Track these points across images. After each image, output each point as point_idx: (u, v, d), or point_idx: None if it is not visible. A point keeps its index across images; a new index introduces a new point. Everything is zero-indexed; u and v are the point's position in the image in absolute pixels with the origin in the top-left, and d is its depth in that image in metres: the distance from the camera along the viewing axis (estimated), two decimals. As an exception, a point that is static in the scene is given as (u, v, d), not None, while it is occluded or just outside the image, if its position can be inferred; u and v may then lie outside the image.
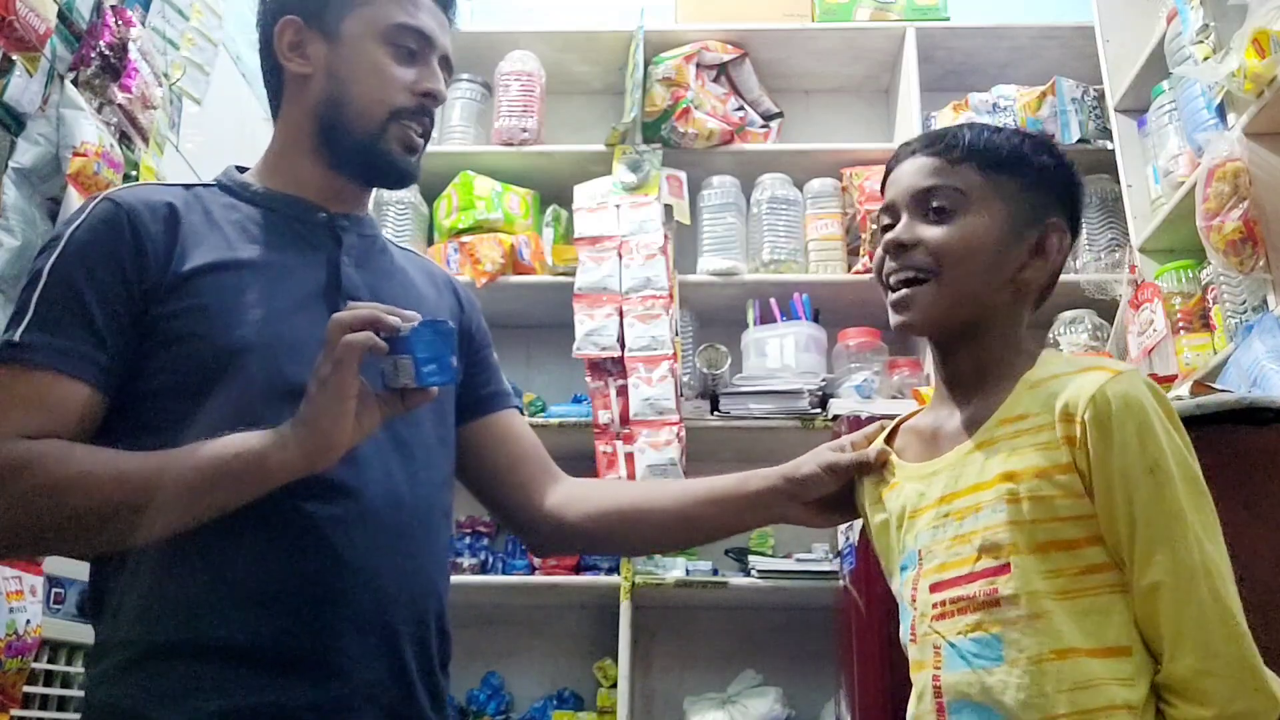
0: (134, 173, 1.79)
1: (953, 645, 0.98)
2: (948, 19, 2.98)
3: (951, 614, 0.99)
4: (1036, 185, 1.06)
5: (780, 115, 3.03)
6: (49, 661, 1.92)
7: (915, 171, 1.07)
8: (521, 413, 1.37)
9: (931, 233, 1.04)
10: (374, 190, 1.31)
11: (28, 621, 1.46)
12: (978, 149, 1.06)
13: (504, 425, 1.28)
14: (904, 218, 1.06)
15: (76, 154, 1.60)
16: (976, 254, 1.03)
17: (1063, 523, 0.95)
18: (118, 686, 0.98)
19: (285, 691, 0.98)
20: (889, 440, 1.15)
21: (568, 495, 1.25)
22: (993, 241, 1.03)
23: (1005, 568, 0.96)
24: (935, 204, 1.05)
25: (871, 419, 1.80)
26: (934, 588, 1.01)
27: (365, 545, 1.03)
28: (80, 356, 1.00)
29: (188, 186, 1.15)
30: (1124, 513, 0.92)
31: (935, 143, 1.08)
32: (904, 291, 1.05)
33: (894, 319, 1.07)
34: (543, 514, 1.25)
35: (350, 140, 1.15)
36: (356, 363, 0.94)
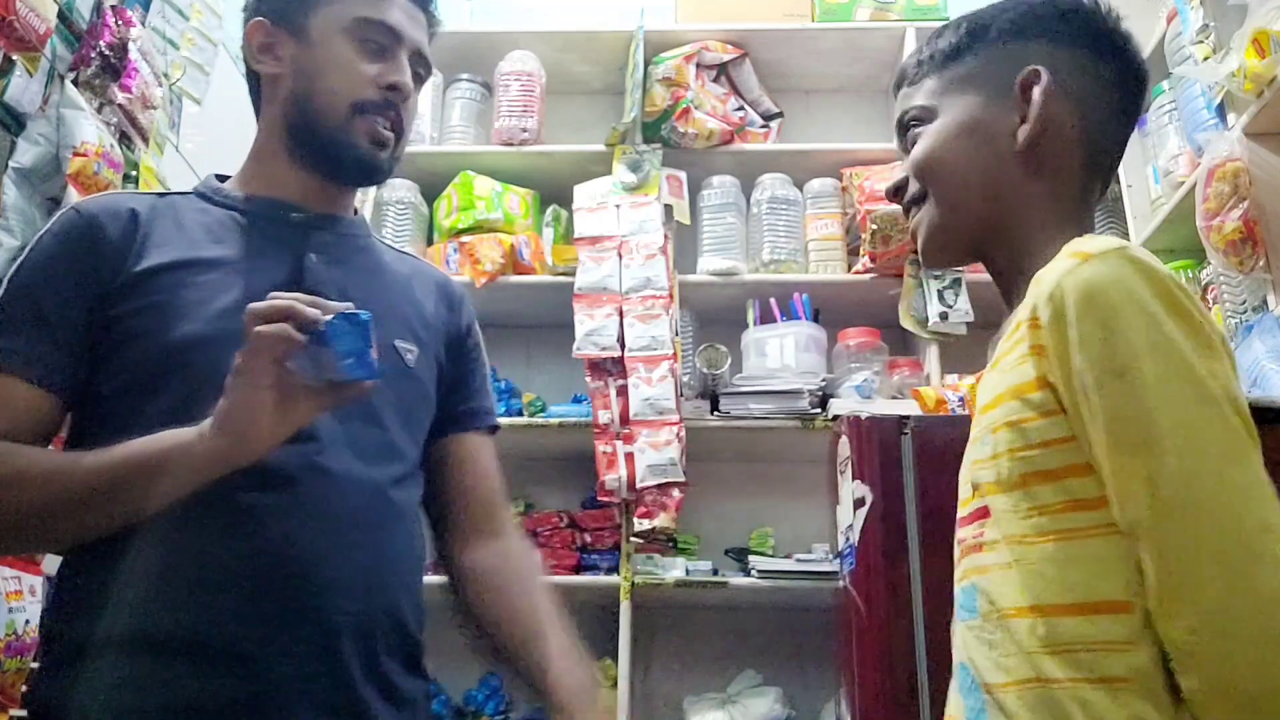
0: (134, 173, 1.79)
1: (957, 596, 0.87)
2: (947, 19, 2.97)
3: (959, 560, 0.88)
4: (1003, 45, 0.95)
5: (780, 115, 3.03)
6: (49, 661, 1.92)
7: (896, 109, 1.01)
8: (495, 431, 1.30)
9: (910, 157, 0.97)
10: (360, 189, 1.28)
11: (27, 621, 1.46)
12: (927, 58, 0.99)
13: (466, 450, 1.24)
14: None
15: (76, 154, 1.60)
16: (950, 149, 0.94)
17: (1040, 450, 0.78)
18: (53, 682, 0.99)
19: (216, 684, 0.97)
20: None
21: (484, 567, 1.19)
22: (962, 129, 0.94)
23: (988, 509, 0.83)
24: (910, 130, 0.98)
25: (871, 419, 1.80)
26: (960, 526, 0.90)
27: (305, 540, 1.01)
28: (35, 360, 1.02)
29: (162, 194, 1.16)
30: (1092, 432, 0.75)
31: (900, 74, 1.02)
32: (911, 223, 0.98)
33: (920, 255, 0.99)
34: (455, 563, 1.21)
35: (317, 136, 1.14)
36: (269, 354, 0.91)
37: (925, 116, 0.97)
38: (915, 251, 1.00)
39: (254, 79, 1.21)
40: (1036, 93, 0.91)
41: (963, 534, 0.87)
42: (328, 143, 1.14)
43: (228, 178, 1.21)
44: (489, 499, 1.25)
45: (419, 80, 1.20)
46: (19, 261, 1.07)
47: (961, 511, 0.89)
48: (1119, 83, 0.95)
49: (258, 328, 0.92)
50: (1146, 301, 0.74)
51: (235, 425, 0.94)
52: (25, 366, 1.02)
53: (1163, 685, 0.72)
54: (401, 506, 1.13)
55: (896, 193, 0.99)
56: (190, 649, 0.97)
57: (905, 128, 0.99)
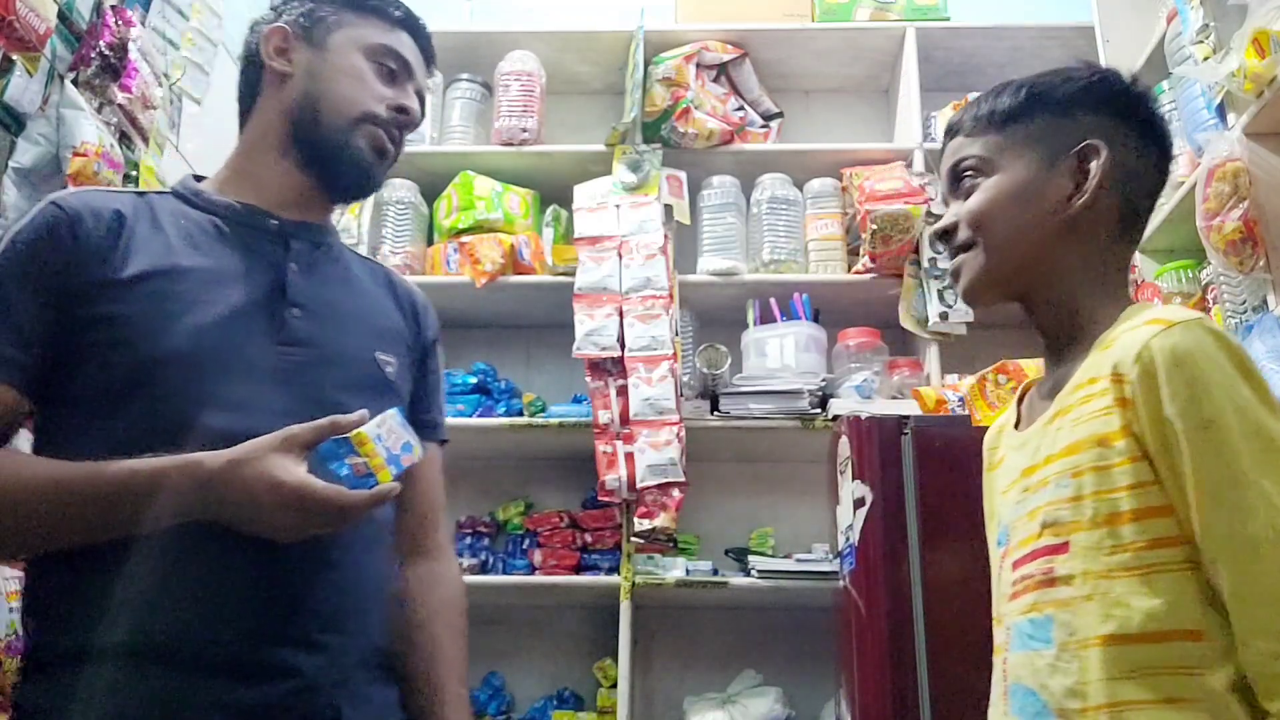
0: (134, 173, 1.79)
1: (1017, 626, 0.95)
2: (948, 19, 2.98)
3: (1019, 594, 0.96)
4: (1063, 115, 1.02)
5: (780, 115, 3.03)
6: (49, 661, 1.91)
7: (947, 156, 1.08)
8: (444, 444, 1.33)
9: (964, 207, 1.04)
10: (346, 201, 1.30)
11: (28, 621, 1.46)
12: (985, 114, 1.05)
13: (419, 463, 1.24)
14: (950, 204, 1.08)
15: (76, 154, 1.60)
16: (1007, 206, 1.01)
17: (1124, 493, 0.87)
18: (38, 688, 1.00)
19: (197, 693, 0.98)
20: (1020, 401, 1.10)
21: (411, 592, 1.21)
22: (1021, 188, 1.01)
23: (1064, 546, 0.91)
24: (964, 180, 1.05)
25: (872, 419, 1.80)
26: (1014, 565, 0.97)
27: (291, 562, 1.02)
28: (4, 359, 1.02)
29: (141, 194, 1.17)
30: (1181, 478, 0.84)
31: (956, 122, 1.09)
32: (954, 261, 1.06)
33: (959, 294, 1.08)
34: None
35: (320, 134, 1.17)
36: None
37: (983, 169, 1.04)
38: (952, 284, 1.10)
39: (254, 77, 1.23)
40: (1094, 166, 0.99)
41: (1027, 570, 0.95)
42: (331, 143, 1.17)
43: (204, 178, 1.22)
44: (428, 515, 1.26)
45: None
46: None
47: (1019, 551, 0.97)
48: (1158, 161, 1.04)
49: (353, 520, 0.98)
50: (1225, 366, 0.85)
51: (240, 521, 0.98)
52: None
53: (1234, 706, 0.80)
54: (381, 522, 1.14)
55: (944, 235, 1.06)
56: (176, 661, 0.98)
57: (959, 176, 1.06)
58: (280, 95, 1.20)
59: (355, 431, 0.98)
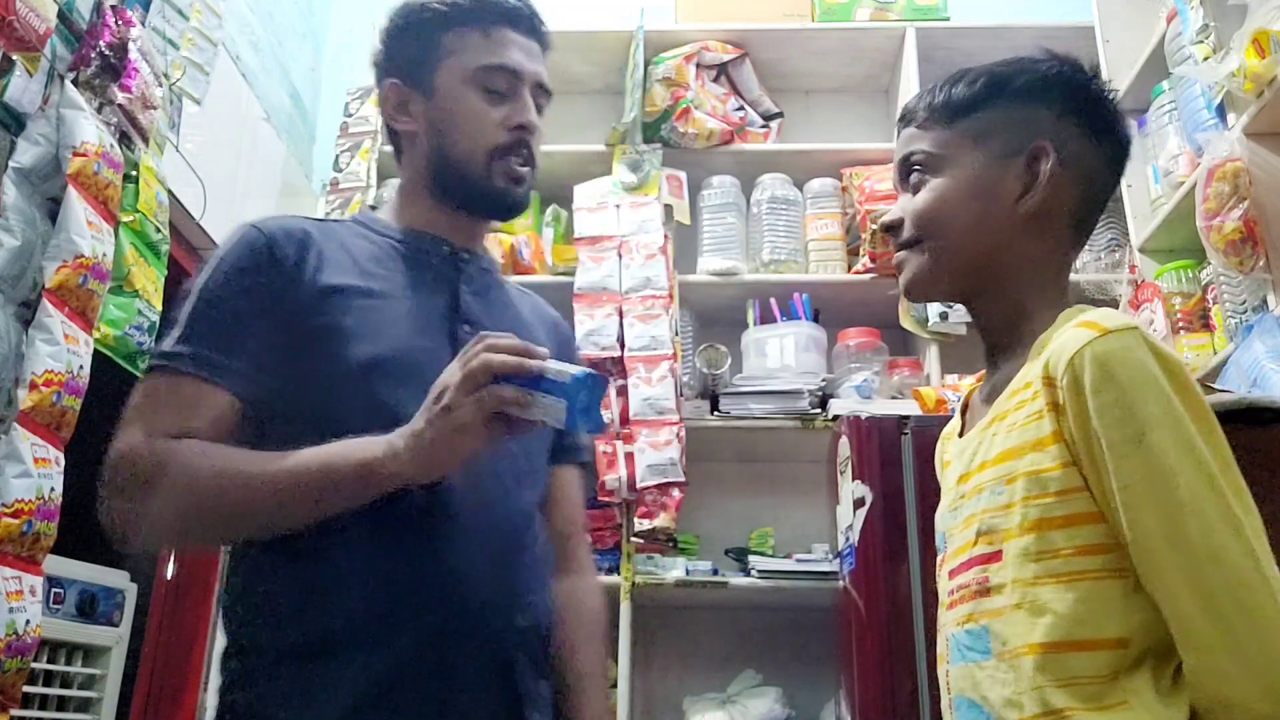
0: (134, 173, 1.79)
1: (955, 637, 0.93)
2: (948, 19, 2.98)
3: (956, 603, 0.94)
4: (1016, 110, 0.98)
5: (780, 115, 3.03)
6: (49, 661, 1.92)
7: (899, 144, 1.04)
8: (585, 468, 1.39)
9: (911, 204, 1.00)
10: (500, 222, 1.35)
11: (27, 621, 1.46)
12: (938, 105, 1.01)
13: (558, 482, 1.32)
14: (899, 194, 1.04)
15: (76, 154, 1.60)
16: (954, 209, 0.97)
17: (1055, 499, 0.85)
18: (249, 689, 1.07)
19: (394, 690, 1.04)
20: (964, 409, 1.06)
21: (556, 603, 1.25)
22: (968, 189, 0.97)
23: (998, 554, 0.88)
24: (913, 174, 1.01)
25: (872, 419, 1.80)
26: (950, 574, 0.95)
27: (469, 561, 1.09)
28: (220, 366, 1.10)
29: (322, 220, 1.25)
30: (1111, 491, 0.81)
31: (908, 112, 1.04)
32: (897, 256, 1.02)
33: (901, 289, 1.04)
34: None
35: (460, 184, 1.24)
36: (486, 394, 0.98)
37: (932, 164, 1.00)
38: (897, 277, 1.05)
39: (392, 136, 1.30)
40: (1044, 168, 0.95)
41: (963, 579, 0.92)
42: (470, 189, 1.24)
43: (376, 208, 1.30)
44: (568, 533, 1.32)
45: (541, 108, 1.30)
46: (205, 274, 1.15)
47: (955, 560, 0.94)
48: (1111, 159, 1.00)
49: (488, 355, 0.99)
50: (1159, 378, 0.81)
51: (430, 455, 1.00)
52: (212, 371, 1.09)
53: (1156, 705, 0.79)
54: (538, 526, 1.22)
55: (890, 229, 1.03)
56: (372, 656, 1.04)
57: (909, 169, 1.01)
58: (415, 152, 1.26)
59: None
